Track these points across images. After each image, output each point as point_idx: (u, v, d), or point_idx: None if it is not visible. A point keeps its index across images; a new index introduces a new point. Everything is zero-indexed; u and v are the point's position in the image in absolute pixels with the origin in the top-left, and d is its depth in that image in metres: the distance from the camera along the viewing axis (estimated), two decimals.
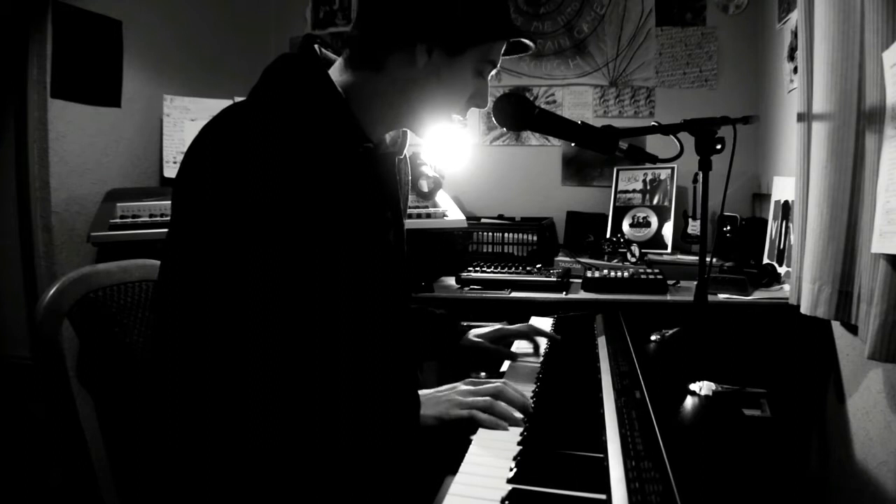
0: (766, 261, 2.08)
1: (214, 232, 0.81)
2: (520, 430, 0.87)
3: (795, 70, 2.01)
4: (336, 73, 0.99)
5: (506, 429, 0.88)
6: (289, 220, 0.83)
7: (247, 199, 0.81)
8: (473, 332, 1.32)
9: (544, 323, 1.57)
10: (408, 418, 0.91)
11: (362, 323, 0.97)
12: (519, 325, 1.36)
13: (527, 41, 1.08)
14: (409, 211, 1.97)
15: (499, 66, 1.06)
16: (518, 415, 0.92)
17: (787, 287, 1.82)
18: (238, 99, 0.97)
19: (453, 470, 0.75)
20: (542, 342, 1.35)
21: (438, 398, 0.95)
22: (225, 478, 0.83)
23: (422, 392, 0.96)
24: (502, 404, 0.93)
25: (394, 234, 1.08)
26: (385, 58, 0.97)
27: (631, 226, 2.55)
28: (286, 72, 0.95)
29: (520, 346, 1.36)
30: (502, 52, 1.05)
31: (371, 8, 0.98)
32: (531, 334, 1.36)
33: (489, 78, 1.06)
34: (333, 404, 0.86)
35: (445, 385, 0.99)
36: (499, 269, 2.08)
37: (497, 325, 1.34)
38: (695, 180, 2.25)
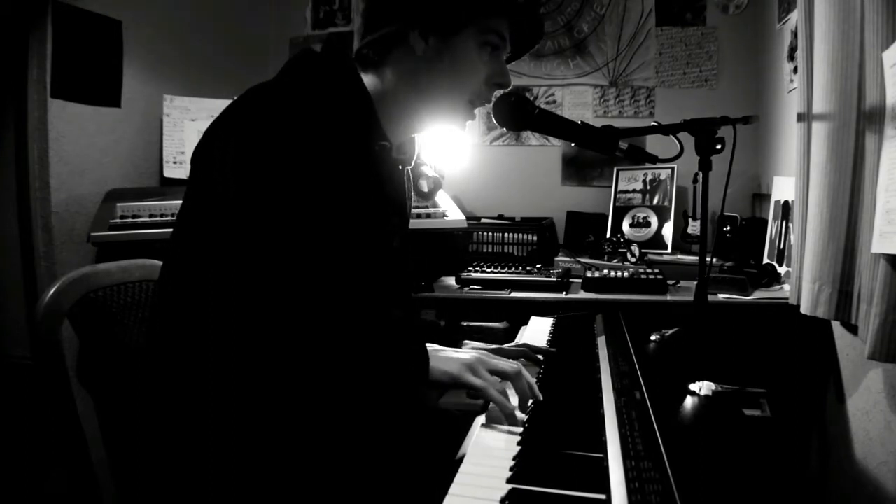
0: (766, 261, 2.08)
1: (222, 220, 0.81)
2: (520, 429, 0.87)
3: (795, 70, 2.01)
4: None
5: (512, 413, 0.87)
6: (301, 208, 0.83)
7: (261, 185, 0.80)
8: (469, 345, 1.24)
9: (544, 323, 1.56)
10: (416, 370, 0.88)
11: (367, 312, 0.97)
12: (513, 345, 1.25)
13: (532, 23, 1.04)
14: (409, 217, 1.98)
15: (508, 41, 1.02)
16: (535, 396, 0.90)
17: (787, 287, 1.82)
18: None
19: (452, 470, 0.75)
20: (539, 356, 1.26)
21: (451, 356, 0.91)
22: (225, 476, 0.83)
23: (435, 346, 0.93)
24: (522, 381, 0.90)
25: (399, 240, 1.08)
26: (385, 55, 0.98)
27: (631, 226, 2.55)
28: (314, 65, 0.95)
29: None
30: (508, 28, 1.01)
31: (365, 10, 0.99)
32: (527, 354, 1.22)
33: (504, 56, 1.02)
34: (335, 399, 0.86)
35: (462, 348, 0.95)
36: (499, 269, 2.08)
37: (493, 346, 1.24)
38: (695, 180, 2.24)
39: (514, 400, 0.92)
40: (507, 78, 1.03)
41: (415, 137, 1.11)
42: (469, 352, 0.95)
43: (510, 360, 0.94)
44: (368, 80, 0.99)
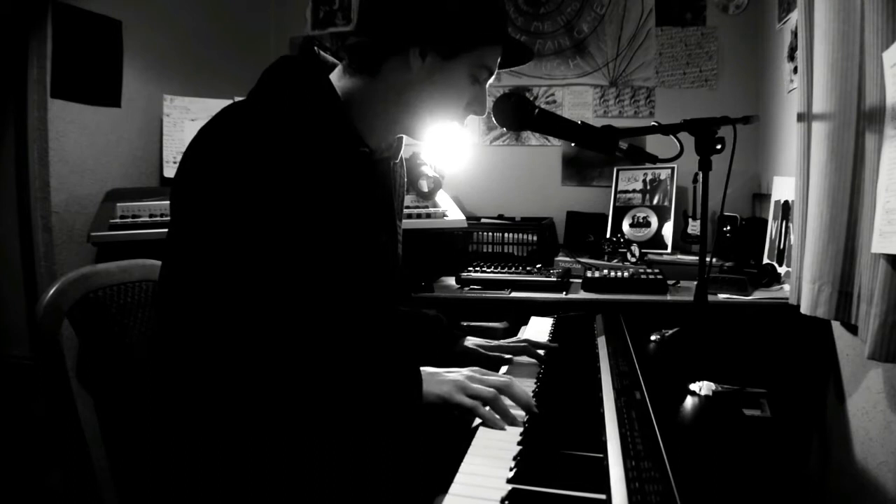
0: (766, 261, 2.08)
1: (209, 229, 0.82)
2: (520, 429, 0.87)
3: (795, 70, 2.01)
4: (335, 78, 1.00)
5: (503, 428, 0.88)
6: (282, 217, 0.84)
7: (241, 196, 0.81)
8: (470, 340, 1.27)
9: (544, 323, 1.56)
10: (409, 394, 0.90)
11: (355, 316, 0.97)
12: (515, 341, 1.28)
13: (523, 51, 1.08)
14: (409, 211, 1.97)
15: (495, 73, 1.06)
16: (520, 412, 0.91)
17: (787, 287, 1.82)
18: (238, 99, 0.98)
19: (452, 471, 0.75)
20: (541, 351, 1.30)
21: (443, 378, 0.93)
22: (224, 476, 0.83)
23: (427, 368, 0.94)
24: (505, 400, 0.92)
25: (386, 236, 1.09)
26: (381, 63, 0.98)
27: (631, 226, 2.55)
28: (286, 73, 0.96)
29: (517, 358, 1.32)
30: (499, 60, 1.05)
31: (367, 14, 1.00)
32: (529, 350, 1.25)
33: (487, 85, 1.06)
34: (331, 395, 0.86)
35: (452, 368, 0.96)
36: (499, 269, 2.08)
37: (493, 342, 1.28)
38: (695, 180, 2.24)
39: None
40: (483, 108, 1.07)
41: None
42: (462, 371, 0.96)
43: (496, 380, 0.95)
44: (355, 82, 0.99)
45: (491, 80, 1.07)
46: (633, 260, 2.23)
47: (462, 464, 0.77)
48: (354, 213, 0.98)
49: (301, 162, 0.87)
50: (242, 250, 0.81)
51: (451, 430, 0.94)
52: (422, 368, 0.94)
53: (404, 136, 1.12)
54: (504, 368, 1.22)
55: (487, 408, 0.91)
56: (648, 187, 2.56)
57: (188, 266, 0.83)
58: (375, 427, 0.88)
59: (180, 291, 0.83)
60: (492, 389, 0.92)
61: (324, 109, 0.95)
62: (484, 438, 0.85)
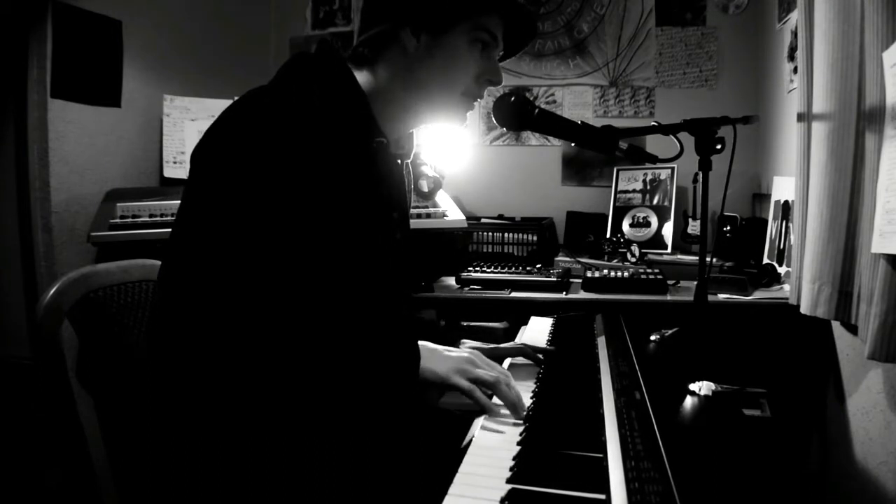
0: (766, 261, 2.08)
1: (224, 214, 0.81)
2: (520, 429, 0.87)
3: (795, 70, 2.01)
4: None
5: (497, 414, 0.87)
6: (301, 206, 0.84)
7: (261, 182, 0.81)
8: (467, 344, 1.24)
9: (544, 323, 1.56)
10: (406, 368, 0.89)
11: (364, 309, 0.97)
12: (511, 344, 1.25)
13: (524, 17, 1.05)
14: (409, 211, 1.98)
15: (502, 46, 1.04)
16: (523, 403, 0.91)
17: (787, 287, 1.82)
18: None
19: (452, 471, 0.75)
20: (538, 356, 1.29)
21: (445, 357, 0.92)
22: (224, 475, 0.83)
23: (427, 344, 0.93)
24: (505, 388, 0.91)
25: (400, 233, 1.09)
26: (379, 53, 0.99)
27: (631, 226, 2.55)
28: (307, 64, 0.97)
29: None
30: (500, 25, 1.02)
31: (360, 13, 1.01)
32: (525, 353, 1.23)
33: (497, 54, 1.04)
34: (332, 396, 0.86)
35: (452, 347, 0.95)
36: (499, 269, 2.08)
37: (490, 345, 1.24)
38: (695, 180, 2.24)
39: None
40: (498, 76, 1.04)
41: (413, 132, 1.11)
42: (462, 352, 0.95)
43: (498, 368, 0.95)
44: (363, 77, 1.00)
45: (500, 53, 1.04)
46: (633, 260, 2.23)
47: (462, 464, 0.77)
48: (373, 207, 0.97)
49: (319, 149, 0.86)
50: (256, 236, 0.80)
51: (450, 430, 0.94)
52: (422, 344, 0.93)
53: (413, 135, 1.12)
54: (506, 364, 1.22)
55: (492, 398, 0.91)
56: (648, 187, 2.56)
57: (196, 249, 0.81)
58: (374, 402, 0.87)
59: (185, 274, 0.82)
60: (494, 374, 0.92)
61: (345, 98, 0.95)
62: (484, 438, 0.85)
